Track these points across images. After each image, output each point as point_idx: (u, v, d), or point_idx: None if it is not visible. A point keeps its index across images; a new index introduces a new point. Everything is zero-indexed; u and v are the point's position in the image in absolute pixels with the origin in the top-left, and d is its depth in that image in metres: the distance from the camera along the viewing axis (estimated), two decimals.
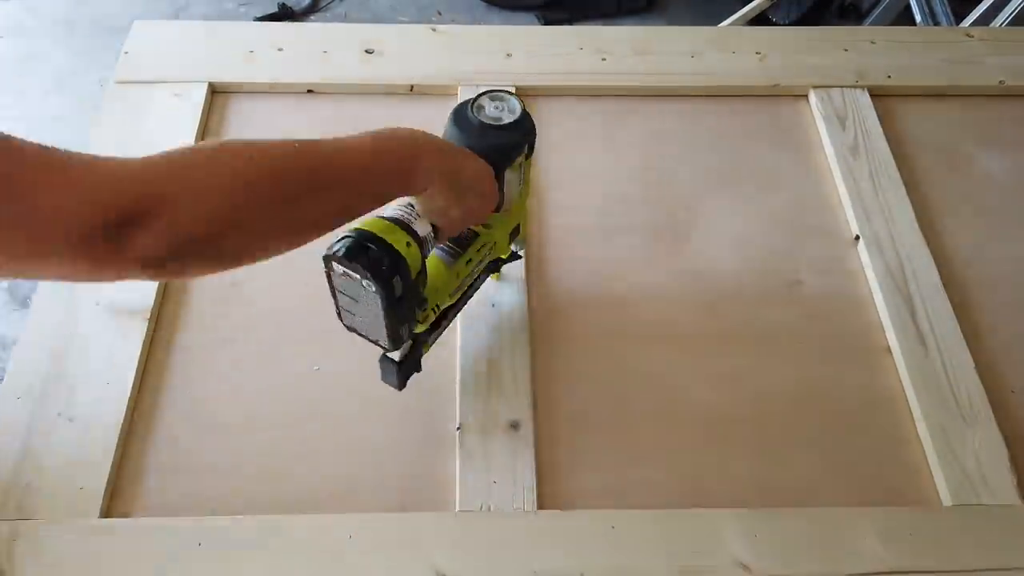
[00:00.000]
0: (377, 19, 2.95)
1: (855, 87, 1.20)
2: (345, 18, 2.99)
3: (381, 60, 1.22)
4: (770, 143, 1.16)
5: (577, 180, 1.12)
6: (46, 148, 0.50)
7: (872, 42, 1.26)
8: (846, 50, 1.25)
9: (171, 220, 0.51)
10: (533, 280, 1.01)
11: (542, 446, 0.88)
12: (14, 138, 0.49)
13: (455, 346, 0.93)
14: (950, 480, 0.86)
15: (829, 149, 1.14)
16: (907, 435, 0.91)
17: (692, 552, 0.81)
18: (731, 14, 2.45)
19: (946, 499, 0.85)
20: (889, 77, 1.22)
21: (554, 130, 1.16)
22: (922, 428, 0.90)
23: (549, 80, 1.20)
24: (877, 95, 1.20)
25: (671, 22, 2.86)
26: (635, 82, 1.21)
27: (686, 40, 1.26)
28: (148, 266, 0.52)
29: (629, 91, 1.21)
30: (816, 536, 0.82)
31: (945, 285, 1.00)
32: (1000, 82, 1.22)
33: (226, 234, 0.54)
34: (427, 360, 0.85)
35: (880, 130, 1.15)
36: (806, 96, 1.21)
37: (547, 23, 2.89)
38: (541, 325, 0.97)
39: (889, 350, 0.97)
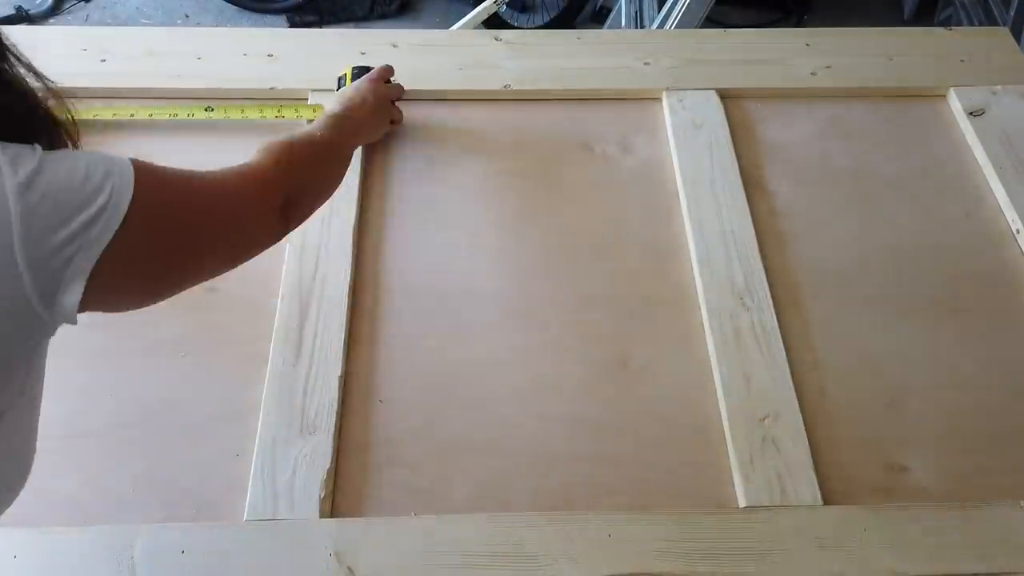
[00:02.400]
0: (121, 23, 2.88)
1: None
2: (87, 21, 2.90)
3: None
4: None
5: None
6: (239, 172, 0.76)
7: None
8: None
9: (304, 201, 0.86)
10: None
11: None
12: (220, 173, 0.74)
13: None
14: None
15: None
16: None
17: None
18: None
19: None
20: None
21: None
22: None
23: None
24: None
25: (423, 26, 2.84)
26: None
27: None
28: (292, 227, 0.83)
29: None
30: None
31: None
32: (505, 86, 1.21)
33: (320, 197, 0.91)
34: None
35: None
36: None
37: (296, 26, 2.85)
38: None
39: None
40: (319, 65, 1.21)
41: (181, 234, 0.67)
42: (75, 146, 0.66)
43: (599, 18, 2.83)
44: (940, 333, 0.99)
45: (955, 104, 1.22)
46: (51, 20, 2.84)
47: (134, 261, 0.62)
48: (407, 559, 0.80)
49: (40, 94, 0.64)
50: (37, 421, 0.66)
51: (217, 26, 2.80)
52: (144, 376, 0.92)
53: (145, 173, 0.62)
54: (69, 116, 0.66)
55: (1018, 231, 1.08)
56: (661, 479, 0.87)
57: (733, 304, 0.99)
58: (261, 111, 1.15)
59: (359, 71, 1.11)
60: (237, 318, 0.97)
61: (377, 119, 1.08)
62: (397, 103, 1.15)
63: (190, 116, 1.14)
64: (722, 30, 1.37)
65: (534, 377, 0.94)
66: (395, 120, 1.13)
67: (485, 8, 2.05)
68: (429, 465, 0.87)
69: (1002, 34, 1.34)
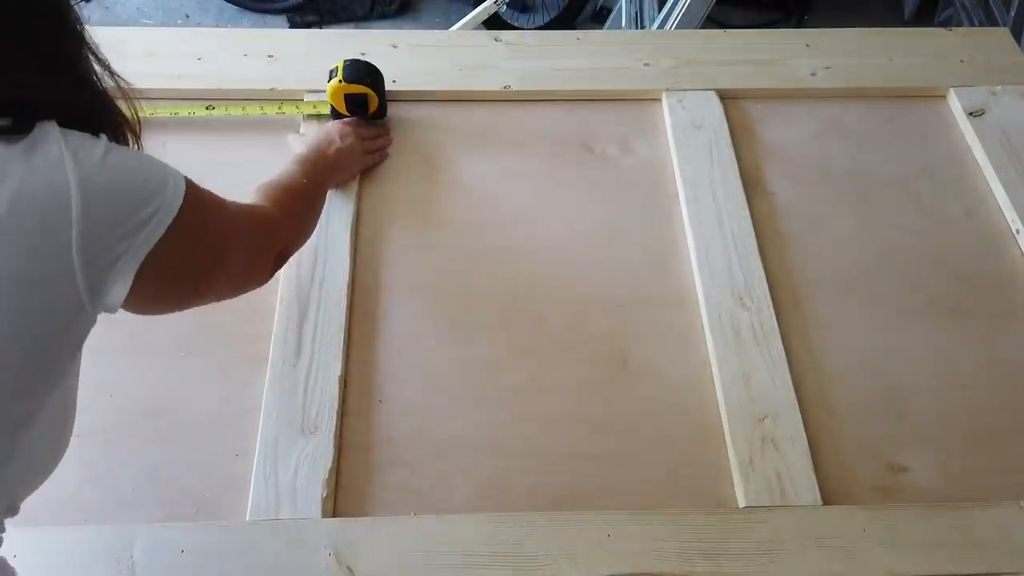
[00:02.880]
0: (121, 23, 2.87)
1: None
2: (87, 21, 2.87)
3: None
4: None
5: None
6: (256, 212, 0.82)
7: None
8: None
9: (293, 248, 0.91)
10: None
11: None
12: (250, 206, 0.82)
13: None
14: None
15: None
16: None
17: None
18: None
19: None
20: None
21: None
22: None
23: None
24: None
25: (423, 26, 2.84)
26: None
27: None
28: (276, 270, 0.86)
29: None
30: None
31: None
32: (505, 86, 1.21)
33: (302, 243, 0.95)
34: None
35: None
36: None
37: (296, 26, 2.85)
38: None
39: None
40: (319, 65, 1.21)
41: (208, 253, 0.71)
42: (137, 141, 0.68)
43: (599, 18, 2.83)
44: (940, 333, 0.99)
45: (955, 104, 1.22)
46: None
47: (169, 269, 0.64)
48: (407, 559, 0.80)
49: (111, 93, 0.66)
50: (74, 408, 0.68)
51: (217, 26, 2.80)
52: (144, 376, 0.93)
53: (194, 189, 0.66)
54: (135, 115, 0.68)
55: (1018, 231, 1.08)
56: (661, 479, 0.87)
57: (733, 304, 0.99)
58: (262, 108, 1.15)
59: (351, 64, 1.11)
60: (238, 318, 0.97)
61: (348, 158, 1.08)
62: (398, 102, 1.15)
63: (191, 114, 1.15)
64: (722, 30, 1.38)
65: (534, 377, 0.94)
66: (377, 161, 1.13)
67: (485, 8, 2.05)
68: (429, 465, 0.87)
69: (1002, 34, 1.35)
